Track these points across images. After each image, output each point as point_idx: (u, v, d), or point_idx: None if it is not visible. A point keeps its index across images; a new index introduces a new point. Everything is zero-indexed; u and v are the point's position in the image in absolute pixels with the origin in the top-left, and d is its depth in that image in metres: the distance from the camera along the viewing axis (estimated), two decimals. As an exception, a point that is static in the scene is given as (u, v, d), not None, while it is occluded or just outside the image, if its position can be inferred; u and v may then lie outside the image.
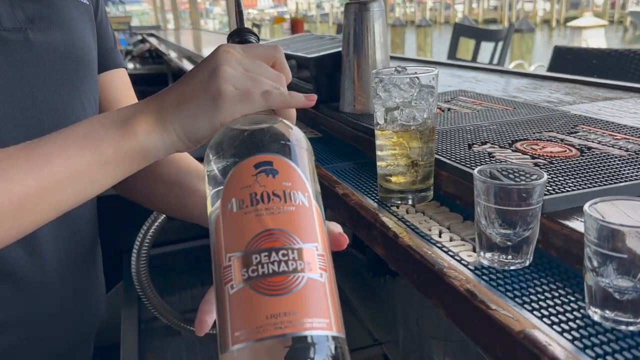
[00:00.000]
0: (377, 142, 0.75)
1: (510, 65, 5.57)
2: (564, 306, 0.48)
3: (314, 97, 0.52)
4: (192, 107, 0.48)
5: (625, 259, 0.44)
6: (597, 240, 0.44)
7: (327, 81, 1.22)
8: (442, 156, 0.78)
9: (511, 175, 0.58)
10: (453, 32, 2.78)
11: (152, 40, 6.00)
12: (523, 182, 0.55)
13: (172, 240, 1.68)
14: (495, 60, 2.41)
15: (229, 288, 0.35)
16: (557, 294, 0.50)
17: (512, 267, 0.55)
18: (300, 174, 0.41)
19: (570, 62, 1.80)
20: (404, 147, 0.73)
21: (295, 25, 3.30)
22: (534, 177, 0.55)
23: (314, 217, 0.39)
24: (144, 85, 4.62)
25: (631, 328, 0.45)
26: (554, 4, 21.12)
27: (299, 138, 0.45)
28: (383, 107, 0.72)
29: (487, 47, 2.68)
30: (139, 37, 6.86)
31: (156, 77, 4.94)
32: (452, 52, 2.75)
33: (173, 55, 4.10)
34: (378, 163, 0.76)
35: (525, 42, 8.18)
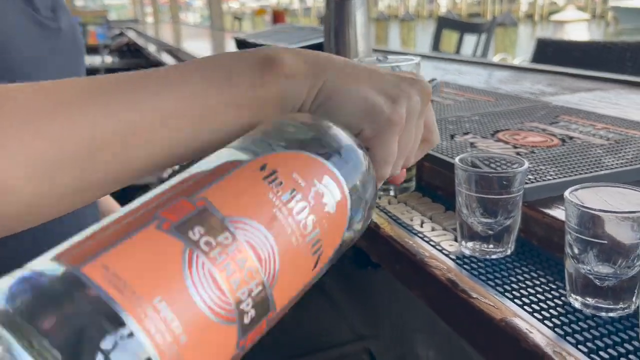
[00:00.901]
0: (359, 133, 0.74)
1: (494, 59, 5.61)
2: (545, 294, 0.48)
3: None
4: (354, 89, 0.39)
5: (606, 245, 0.44)
6: (578, 227, 0.44)
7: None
8: (424, 146, 0.77)
9: (492, 164, 0.57)
10: (436, 24, 2.78)
11: (131, 33, 5.92)
12: (504, 170, 0.54)
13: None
14: (479, 53, 2.42)
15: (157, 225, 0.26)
16: (538, 282, 0.49)
17: (493, 256, 0.55)
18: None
19: (552, 54, 1.81)
20: (386, 137, 0.72)
21: (277, 17, 3.28)
22: (515, 165, 0.55)
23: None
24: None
25: (612, 314, 0.45)
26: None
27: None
28: (364, 97, 0.71)
29: (470, 40, 2.69)
30: (117, 31, 6.77)
31: (133, 70, 4.85)
32: (436, 44, 2.75)
33: (152, 48, 4.05)
34: (360, 154, 0.75)
35: (509, 36, 8.23)
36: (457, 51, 2.57)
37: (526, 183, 0.59)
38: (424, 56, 1.96)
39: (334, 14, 1.09)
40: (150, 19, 11.95)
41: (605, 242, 0.43)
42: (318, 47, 1.15)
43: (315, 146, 0.33)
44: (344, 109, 0.39)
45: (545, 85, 1.24)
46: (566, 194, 0.45)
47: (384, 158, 0.39)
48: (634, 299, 0.45)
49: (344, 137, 0.35)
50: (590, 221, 0.44)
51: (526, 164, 0.53)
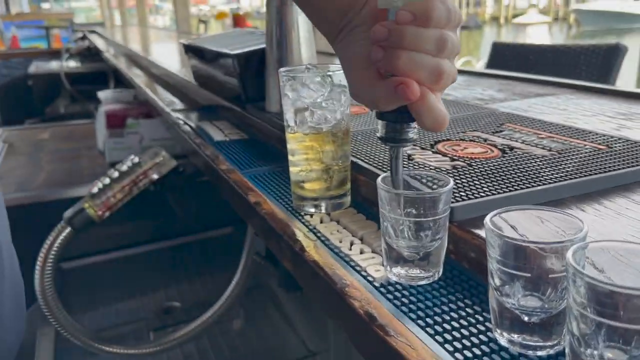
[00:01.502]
0: (289, 146, 0.69)
1: (459, 63, 5.64)
2: (470, 328, 0.43)
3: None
4: None
5: (532, 277, 0.39)
6: (500, 257, 0.40)
7: (253, 79, 1.16)
8: (360, 159, 0.73)
9: (418, 183, 0.53)
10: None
11: (93, 37, 5.77)
12: (427, 191, 0.50)
13: (93, 251, 1.57)
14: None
15: None
16: (464, 314, 0.45)
17: (420, 283, 0.50)
18: None
19: (508, 59, 1.80)
20: (317, 151, 0.67)
21: (238, 21, 3.21)
22: (441, 183, 0.50)
23: None
24: (84, 84, 4.42)
25: (540, 353, 0.40)
26: (502, 2, 21.74)
27: None
28: (292, 108, 0.66)
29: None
30: (81, 35, 6.59)
31: (97, 75, 4.73)
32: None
33: (111, 52, 3.94)
34: (290, 169, 0.70)
35: (474, 39, 8.31)
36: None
37: (457, 200, 0.55)
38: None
39: (275, 19, 1.04)
40: (118, 22, 11.73)
41: (530, 274, 0.39)
42: (261, 52, 1.10)
43: None
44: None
45: (496, 90, 1.21)
46: (487, 220, 0.40)
47: None
48: (563, 335, 0.40)
49: None
50: (513, 251, 0.39)
51: (451, 183, 0.49)
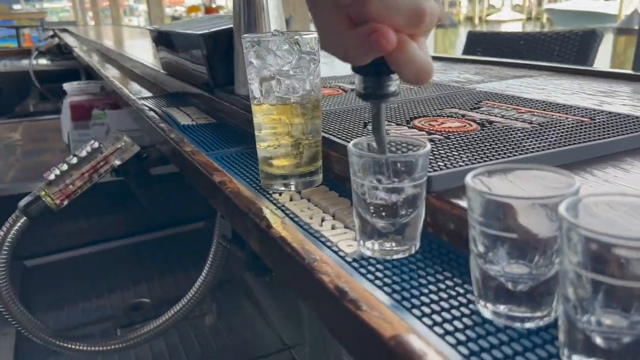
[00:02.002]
0: (255, 121, 0.64)
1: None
2: (451, 300, 0.39)
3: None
4: None
5: (518, 239, 0.35)
6: (483, 219, 0.36)
7: (222, 61, 1.10)
8: (332, 135, 0.68)
9: (393, 148, 0.49)
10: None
11: (65, 35, 5.63)
12: (403, 154, 0.46)
13: (59, 248, 1.50)
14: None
15: None
16: (443, 286, 0.41)
17: (395, 256, 0.46)
18: None
19: (483, 47, 1.77)
20: (285, 124, 0.63)
21: (210, 14, 3.14)
22: (417, 148, 0.46)
23: None
24: (55, 82, 4.30)
25: (528, 325, 0.36)
26: (476, 3, 21.97)
27: None
28: (258, 77, 0.62)
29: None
30: (51, 33, 6.44)
31: (67, 73, 4.61)
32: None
33: (82, 49, 3.83)
34: (257, 144, 0.65)
35: (449, 37, 8.36)
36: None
37: (434, 170, 0.51)
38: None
39: (243, -5, 0.99)
40: (92, 22, 11.55)
41: (518, 236, 0.35)
42: (228, 32, 1.05)
43: None
44: None
45: (472, 74, 1.18)
46: (468, 179, 0.36)
47: None
48: (553, 305, 0.37)
49: None
50: (498, 211, 0.35)
51: (428, 146, 0.44)
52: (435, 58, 1.50)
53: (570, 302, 0.31)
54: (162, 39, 1.45)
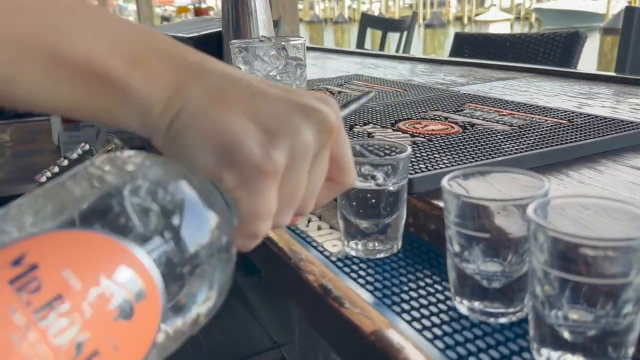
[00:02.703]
0: (243, 123, 0.66)
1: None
2: (429, 297, 0.41)
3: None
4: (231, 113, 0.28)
5: (492, 239, 0.37)
6: (459, 220, 0.38)
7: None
8: (319, 137, 0.70)
9: (376, 152, 0.51)
10: (360, 23, 2.75)
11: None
12: (382, 157, 0.47)
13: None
14: (401, 50, 2.40)
15: None
16: (423, 284, 0.43)
17: (378, 256, 0.48)
18: None
19: (470, 49, 1.80)
20: (272, 127, 0.64)
21: (200, 14, 3.15)
22: (398, 151, 0.48)
23: None
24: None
25: (502, 320, 0.38)
26: (465, 3, 22.12)
27: None
28: (245, 82, 0.63)
29: (395, 38, 2.67)
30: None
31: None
32: (361, 42, 2.71)
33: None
34: (245, 147, 0.67)
35: (437, 37, 8.40)
36: (381, 48, 2.55)
37: (416, 172, 0.53)
38: (343, 52, 1.91)
39: (231, 0, 1.00)
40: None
41: (491, 235, 0.37)
42: (217, 35, 1.06)
43: (117, 216, 0.23)
44: (197, 146, 0.28)
45: (458, 76, 1.20)
46: (444, 182, 0.38)
47: (254, 214, 0.28)
48: (525, 301, 0.39)
49: (179, 193, 0.25)
50: (472, 212, 0.37)
51: (408, 150, 0.46)
52: (422, 60, 1.52)
53: (539, 299, 0.33)
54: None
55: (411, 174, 0.53)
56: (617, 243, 0.30)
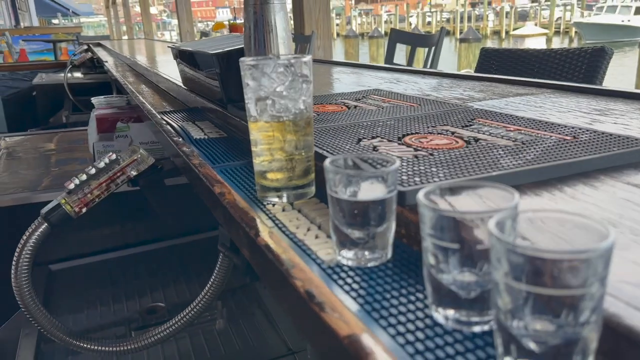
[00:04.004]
0: (251, 137, 0.69)
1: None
2: (409, 305, 0.43)
3: None
4: None
5: (465, 250, 0.39)
6: (433, 231, 0.39)
7: (234, 79, 1.16)
8: (325, 150, 0.73)
9: (370, 163, 0.53)
10: (389, 38, 2.77)
11: (98, 49, 5.84)
12: (371, 171, 0.50)
13: (80, 254, 1.57)
14: (429, 65, 2.41)
15: None
16: (405, 292, 0.45)
17: (369, 265, 0.50)
18: None
19: (496, 64, 1.80)
20: (279, 140, 0.67)
21: (234, 30, 3.24)
22: (388, 164, 0.50)
23: None
24: (88, 94, 4.46)
25: (475, 329, 0.40)
26: (503, 16, 21.91)
27: None
28: (254, 97, 0.67)
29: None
30: (85, 47, 6.67)
31: (100, 85, 4.77)
32: (390, 57, 2.74)
33: (113, 63, 3.97)
34: (254, 159, 0.70)
35: (472, 51, 8.34)
36: (410, 63, 2.56)
37: (410, 185, 0.55)
38: (364, 66, 1.94)
39: (253, 18, 1.05)
40: (125, 36, 11.94)
41: (463, 247, 0.39)
42: (239, 52, 1.11)
43: None
44: None
45: (477, 91, 1.21)
46: (420, 195, 0.40)
47: None
48: (498, 310, 0.40)
49: None
50: (446, 224, 0.39)
51: (397, 163, 0.48)
52: (445, 75, 1.53)
53: (502, 310, 0.35)
54: (181, 57, 1.52)
55: (405, 186, 0.55)
56: (573, 255, 0.32)
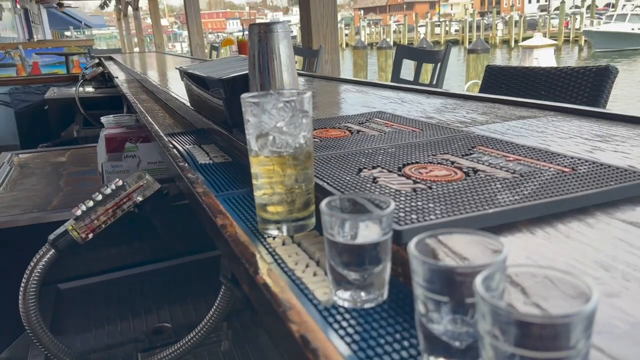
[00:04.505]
0: (252, 171, 0.70)
1: (466, 86, 5.65)
2: (402, 352, 0.43)
3: None
4: None
5: (453, 301, 0.40)
6: (423, 282, 0.40)
7: (240, 104, 1.17)
8: (326, 182, 0.74)
9: (367, 202, 0.53)
10: (395, 54, 2.79)
11: (109, 64, 5.91)
12: (366, 214, 0.50)
13: (89, 273, 1.59)
14: (435, 80, 2.42)
15: None
16: (399, 337, 0.45)
17: (365, 306, 0.51)
18: None
19: (502, 81, 1.80)
20: (279, 174, 0.68)
21: (242, 47, 3.27)
22: (384, 205, 0.51)
23: None
24: (99, 108, 4.51)
25: (467, 377, 0.40)
26: (512, 26, 21.88)
27: None
28: (254, 133, 0.68)
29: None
30: (97, 60, 6.76)
31: (111, 99, 4.82)
32: (396, 73, 2.75)
33: (122, 78, 4.02)
34: (255, 193, 0.71)
35: (481, 62, 8.34)
36: (416, 78, 2.58)
37: (406, 224, 0.56)
38: (370, 84, 1.95)
39: (257, 45, 1.06)
40: (136, 49, 12.09)
41: (453, 298, 0.39)
42: (244, 78, 1.12)
43: None
44: None
45: (479, 113, 1.21)
46: (411, 245, 0.41)
47: None
48: (489, 358, 0.40)
49: None
50: (434, 276, 0.39)
51: (392, 206, 0.49)
52: (449, 95, 1.54)
53: (489, 363, 0.35)
54: (189, 78, 1.54)
55: (402, 224, 0.56)
56: (557, 320, 0.32)
